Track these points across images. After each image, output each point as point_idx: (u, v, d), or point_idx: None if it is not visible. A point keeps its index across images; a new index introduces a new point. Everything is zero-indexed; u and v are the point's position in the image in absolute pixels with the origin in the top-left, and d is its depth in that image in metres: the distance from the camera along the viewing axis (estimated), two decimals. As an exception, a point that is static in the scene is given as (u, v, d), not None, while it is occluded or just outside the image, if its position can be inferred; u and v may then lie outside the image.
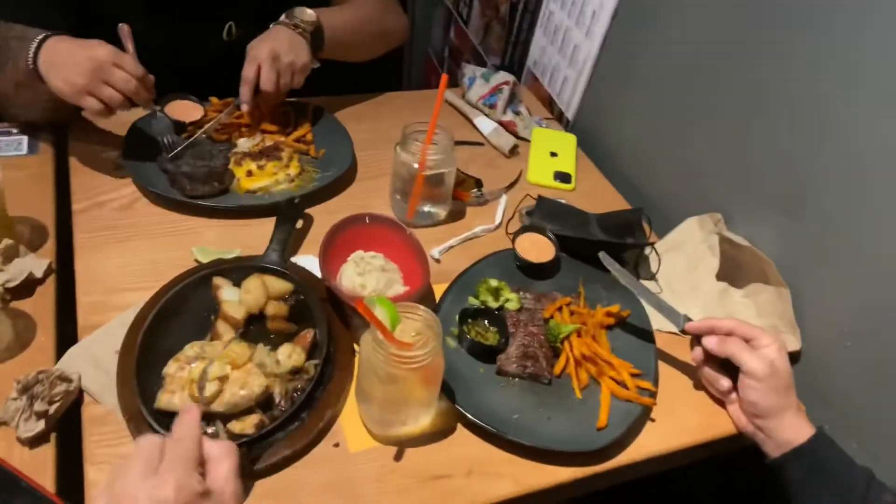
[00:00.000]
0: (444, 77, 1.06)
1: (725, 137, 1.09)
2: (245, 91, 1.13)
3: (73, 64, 0.97)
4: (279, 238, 0.99)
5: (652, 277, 1.08)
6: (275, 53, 1.12)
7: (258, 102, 1.19)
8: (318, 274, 0.97)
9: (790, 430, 0.82)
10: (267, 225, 1.03)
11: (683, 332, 0.91)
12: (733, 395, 0.89)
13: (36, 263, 0.92)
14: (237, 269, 0.93)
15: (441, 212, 1.14)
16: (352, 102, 1.39)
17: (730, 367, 0.87)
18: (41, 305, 0.89)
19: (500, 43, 1.67)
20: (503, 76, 1.40)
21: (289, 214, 1.04)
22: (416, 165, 1.06)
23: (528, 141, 1.36)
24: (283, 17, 1.18)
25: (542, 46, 1.50)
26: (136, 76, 1.00)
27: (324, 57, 1.23)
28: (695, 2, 1.11)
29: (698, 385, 0.95)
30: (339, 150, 1.22)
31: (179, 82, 1.19)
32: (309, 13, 1.18)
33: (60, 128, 1.16)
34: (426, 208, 1.13)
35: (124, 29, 1.04)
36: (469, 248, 1.11)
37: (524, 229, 1.08)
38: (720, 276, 1.04)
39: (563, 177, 1.28)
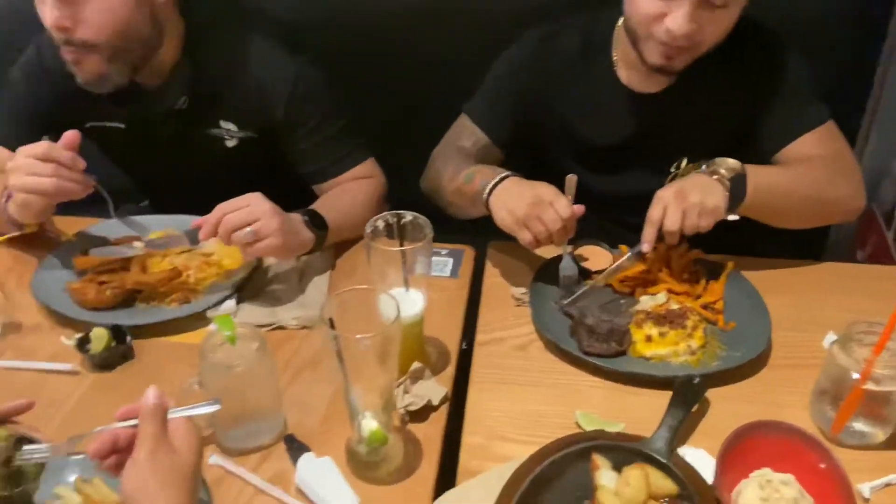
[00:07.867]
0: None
1: None
2: (648, 232, 1.06)
3: (517, 196, 1.07)
4: (670, 424, 0.88)
5: None
6: (682, 193, 1.05)
7: (662, 251, 1.15)
8: (708, 478, 0.84)
9: None
10: (657, 399, 0.94)
11: None
12: None
13: (435, 390, 0.97)
14: (619, 450, 0.85)
15: (879, 433, 0.91)
16: (769, 267, 1.22)
17: None
18: (431, 434, 0.93)
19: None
20: None
21: (685, 396, 0.93)
22: (855, 375, 0.86)
23: None
24: (703, 167, 1.11)
25: None
26: (563, 217, 1.04)
27: (746, 215, 1.12)
28: None
29: None
30: (752, 326, 1.07)
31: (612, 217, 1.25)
32: (731, 162, 1.10)
33: (480, 255, 1.26)
34: (858, 426, 0.91)
35: (572, 180, 1.09)
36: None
37: None
38: None
39: None
